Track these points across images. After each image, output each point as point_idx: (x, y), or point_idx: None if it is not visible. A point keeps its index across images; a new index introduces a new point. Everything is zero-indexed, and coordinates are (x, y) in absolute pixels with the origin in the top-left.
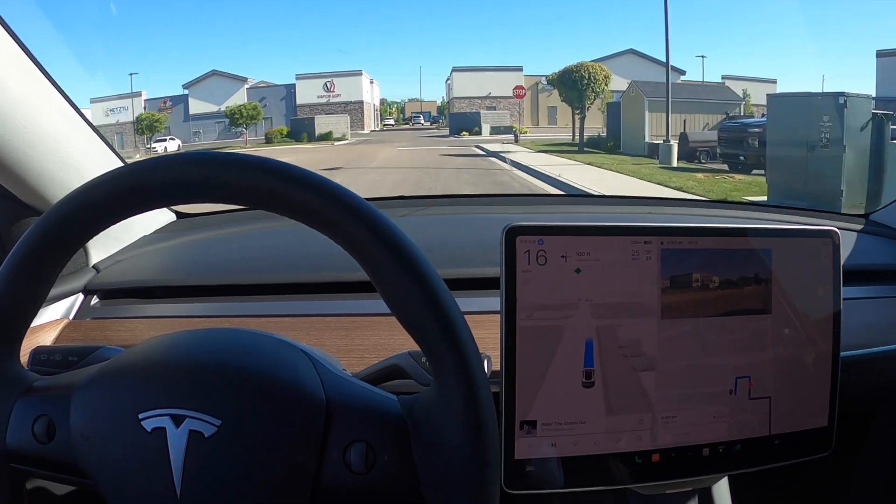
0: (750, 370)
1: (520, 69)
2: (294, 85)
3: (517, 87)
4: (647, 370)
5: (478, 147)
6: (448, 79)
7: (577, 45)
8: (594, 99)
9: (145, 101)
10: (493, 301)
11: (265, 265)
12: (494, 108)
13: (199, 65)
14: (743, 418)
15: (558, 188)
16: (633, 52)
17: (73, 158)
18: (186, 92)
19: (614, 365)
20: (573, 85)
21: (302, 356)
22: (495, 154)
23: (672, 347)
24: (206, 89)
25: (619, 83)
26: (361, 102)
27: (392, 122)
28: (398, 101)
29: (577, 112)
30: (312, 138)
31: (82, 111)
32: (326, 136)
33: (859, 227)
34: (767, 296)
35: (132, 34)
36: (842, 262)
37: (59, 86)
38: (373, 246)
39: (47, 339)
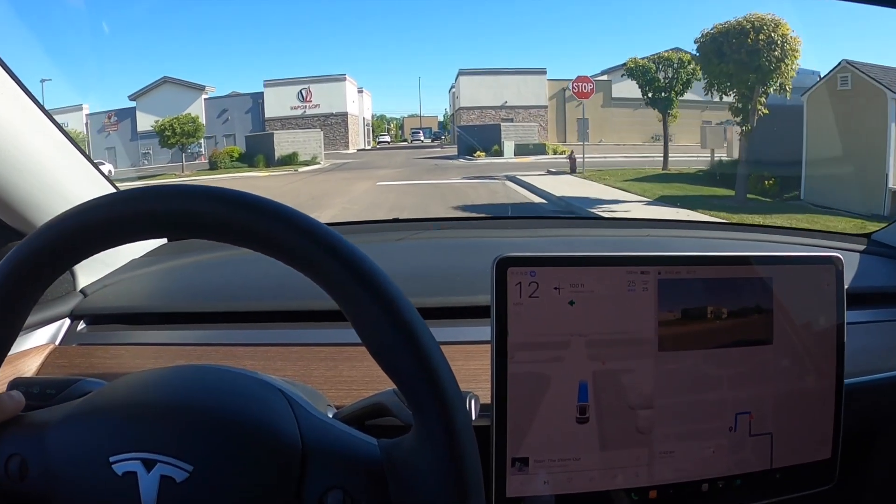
0: (750, 405)
1: (542, 72)
2: (262, 94)
3: (580, 80)
4: (644, 406)
5: (512, 181)
6: (453, 86)
7: (606, 46)
8: (776, 83)
9: (87, 115)
10: (488, 330)
11: (254, 292)
12: (512, 120)
13: (156, 71)
14: (743, 455)
15: None
16: (676, 50)
17: (60, 183)
18: (133, 104)
19: (609, 400)
20: (734, 54)
21: (279, 397)
22: (565, 208)
23: (670, 382)
24: (157, 101)
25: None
26: (345, 115)
27: (388, 139)
28: (397, 117)
29: (738, 116)
30: (271, 162)
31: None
32: (289, 160)
33: (861, 247)
34: (769, 325)
35: (75, 36)
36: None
37: (45, 109)
38: (347, 285)
39: (33, 364)
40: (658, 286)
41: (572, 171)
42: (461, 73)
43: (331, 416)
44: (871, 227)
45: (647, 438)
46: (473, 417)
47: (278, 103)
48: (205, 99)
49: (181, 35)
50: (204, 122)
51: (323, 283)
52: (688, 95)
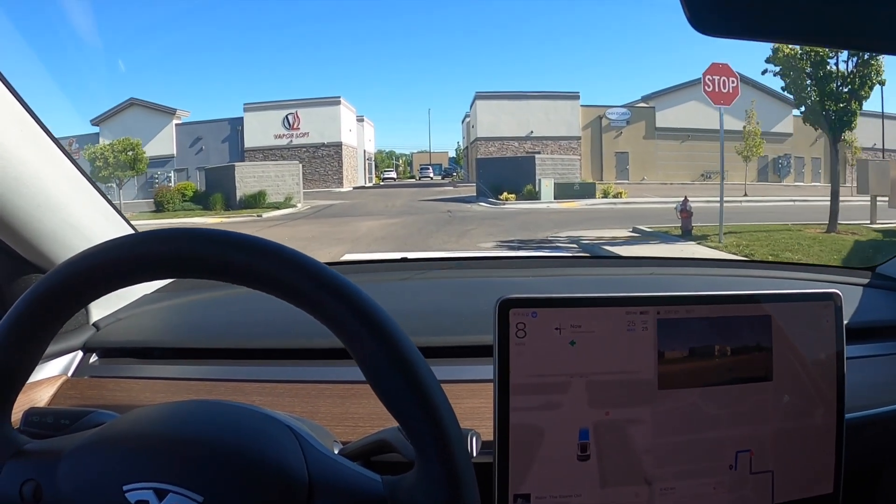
0: (750, 443)
1: (575, 97)
2: (242, 119)
3: (716, 71)
4: (644, 445)
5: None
6: (467, 115)
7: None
8: None
9: None
10: (491, 368)
11: (264, 329)
12: (538, 153)
13: (126, 92)
14: (744, 492)
15: None
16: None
17: (77, 219)
18: (97, 129)
19: (610, 438)
20: None
21: (287, 433)
22: None
23: (670, 421)
24: (123, 125)
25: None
26: (339, 145)
27: (393, 175)
28: (406, 153)
29: None
30: (231, 203)
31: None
32: (254, 201)
33: (865, 280)
34: (768, 363)
35: (37, 53)
36: (846, 322)
37: (63, 146)
38: (352, 325)
39: (45, 395)
40: (657, 326)
41: (685, 232)
42: (478, 96)
43: (336, 452)
44: (877, 260)
45: (647, 476)
46: (474, 455)
47: (260, 130)
48: (176, 125)
49: (153, 54)
50: (174, 151)
51: (328, 323)
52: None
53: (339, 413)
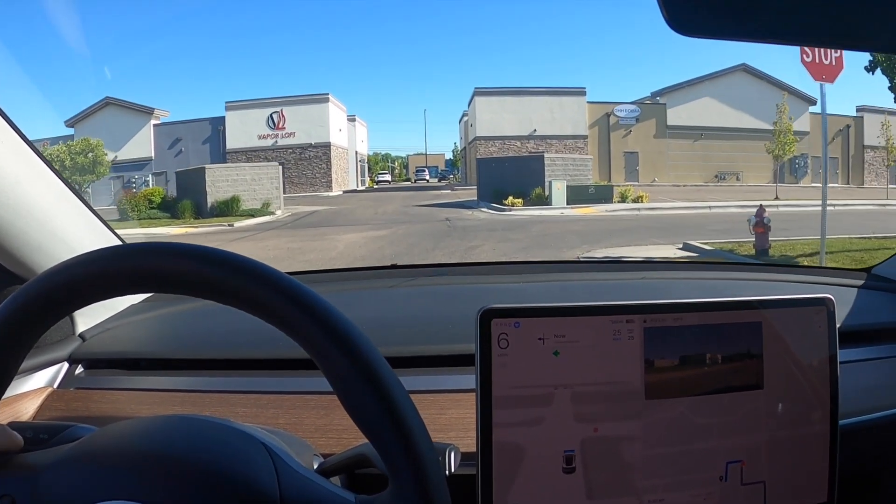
0: (742, 454)
1: (581, 93)
2: (223, 119)
3: None
4: (631, 456)
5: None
6: (465, 113)
7: (654, 65)
8: None
9: None
10: (473, 378)
11: (250, 339)
12: (544, 153)
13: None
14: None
15: None
16: (745, 69)
17: (61, 230)
18: (71, 132)
19: (596, 450)
20: None
21: (261, 449)
22: None
23: (657, 431)
24: (98, 126)
25: (724, 114)
26: (328, 146)
27: (388, 178)
28: (402, 155)
29: None
30: (202, 210)
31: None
32: (227, 208)
33: (860, 282)
34: (759, 371)
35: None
36: (839, 325)
37: (45, 157)
38: (316, 339)
39: (31, 407)
40: (644, 334)
41: (761, 252)
42: (477, 93)
43: (316, 465)
44: (872, 261)
45: (635, 487)
46: (452, 470)
47: (243, 130)
48: (154, 125)
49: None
50: (152, 153)
51: (295, 338)
52: (750, 122)
53: (323, 424)
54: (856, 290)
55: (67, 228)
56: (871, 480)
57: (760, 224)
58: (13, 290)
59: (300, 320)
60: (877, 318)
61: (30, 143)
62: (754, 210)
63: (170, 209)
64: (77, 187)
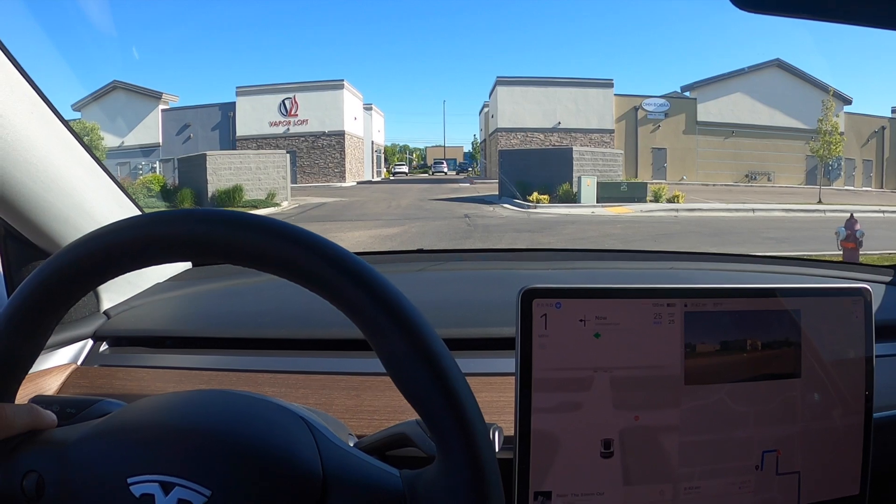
0: (778, 443)
1: (609, 85)
2: (234, 104)
3: None
4: (670, 443)
5: None
6: (486, 104)
7: (685, 58)
8: None
9: None
10: (511, 362)
11: (277, 319)
12: (571, 146)
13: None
14: (770, 494)
15: None
16: (779, 64)
17: (89, 204)
18: (78, 115)
19: (634, 435)
20: None
21: (301, 424)
22: None
23: (696, 418)
24: (106, 110)
25: (756, 111)
26: (342, 134)
27: (405, 169)
28: (420, 147)
29: None
30: (202, 200)
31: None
32: (229, 198)
33: (888, 278)
34: (797, 359)
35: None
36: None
37: (74, 131)
38: (373, 314)
39: (54, 383)
40: (684, 319)
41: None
42: (499, 82)
43: (352, 444)
44: None
45: (672, 474)
46: (497, 450)
47: (254, 117)
48: (163, 110)
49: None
50: (160, 139)
51: (349, 313)
52: (783, 120)
53: (354, 405)
54: (884, 286)
55: (96, 203)
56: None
57: (852, 238)
58: (36, 265)
59: (353, 292)
60: None
61: (59, 115)
62: (838, 219)
63: (169, 198)
64: None
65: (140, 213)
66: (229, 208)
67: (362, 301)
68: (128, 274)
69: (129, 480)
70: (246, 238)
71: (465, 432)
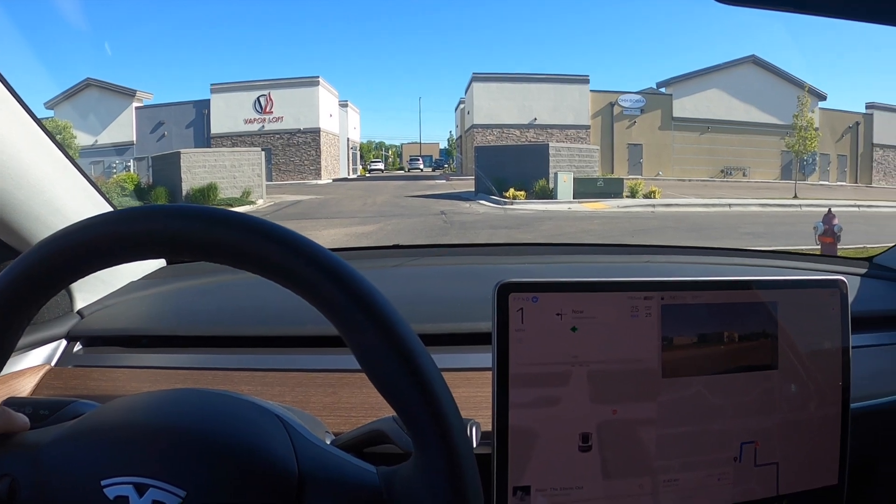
0: (756, 434)
1: (584, 81)
2: (209, 102)
3: None
4: (648, 436)
5: None
6: (462, 101)
7: (660, 54)
8: None
9: None
10: (489, 357)
11: (253, 316)
12: (547, 142)
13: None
14: (749, 485)
15: None
16: (755, 61)
17: (61, 202)
18: (51, 113)
19: (612, 428)
20: None
21: (276, 422)
22: None
23: (673, 411)
24: (78, 109)
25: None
26: (318, 132)
27: (381, 166)
28: (396, 144)
29: None
30: (176, 198)
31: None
32: (203, 196)
33: (863, 271)
34: (774, 351)
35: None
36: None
37: (46, 128)
38: (348, 310)
39: (28, 385)
40: (661, 312)
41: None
42: (475, 78)
43: (328, 442)
44: (873, 250)
45: (650, 467)
46: (475, 445)
47: (228, 114)
48: (136, 108)
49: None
50: (134, 137)
51: (323, 309)
52: (758, 116)
53: (331, 402)
54: (858, 278)
55: (66, 200)
56: (869, 466)
57: (830, 233)
58: (6, 265)
59: (327, 287)
60: (878, 305)
61: (30, 112)
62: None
63: (143, 197)
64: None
65: (111, 208)
66: None
67: (336, 296)
68: (101, 272)
69: (103, 482)
70: (220, 234)
71: (441, 427)
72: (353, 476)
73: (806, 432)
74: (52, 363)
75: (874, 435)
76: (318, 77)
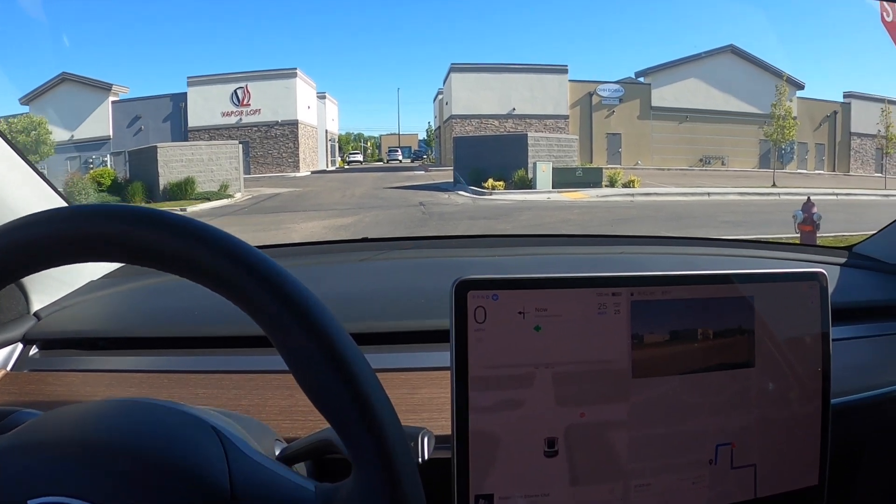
0: (732, 436)
1: (563, 71)
2: (185, 95)
3: None
4: (618, 439)
5: None
6: (440, 91)
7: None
8: None
9: None
10: (448, 356)
11: (213, 315)
12: (526, 132)
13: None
14: (725, 488)
15: None
16: (733, 50)
17: (12, 202)
18: (26, 109)
19: (580, 432)
20: None
21: (211, 435)
22: None
23: (645, 412)
24: (54, 104)
25: (710, 96)
26: (295, 123)
27: (359, 158)
28: (375, 135)
29: None
30: (154, 194)
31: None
32: (181, 190)
33: (842, 260)
34: (750, 347)
35: None
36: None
37: None
38: (274, 313)
39: None
40: (631, 308)
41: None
42: (453, 69)
43: (278, 451)
44: (853, 239)
45: (621, 472)
46: (426, 457)
47: (206, 107)
48: (113, 102)
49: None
50: (110, 132)
51: (247, 309)
52: (737, 105)
53: (288, 406)
54: (838, 268)
55: (20, 201)
56: (849, 464)
57: (809, 221)
58: None
59: (251, 288)
60: (858, 296)
61: None
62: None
63: (120, 192)
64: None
65: (65, 203)
66: (181, 201)
67: (261, 298)
68: (58, 272)
69: (29, 502)
70: (136, 235)
71: (379, 442)
72: (288, 493)
73: (785, 432)
74: (8, 367)
75: (856, 432)
76: (295, 69)
